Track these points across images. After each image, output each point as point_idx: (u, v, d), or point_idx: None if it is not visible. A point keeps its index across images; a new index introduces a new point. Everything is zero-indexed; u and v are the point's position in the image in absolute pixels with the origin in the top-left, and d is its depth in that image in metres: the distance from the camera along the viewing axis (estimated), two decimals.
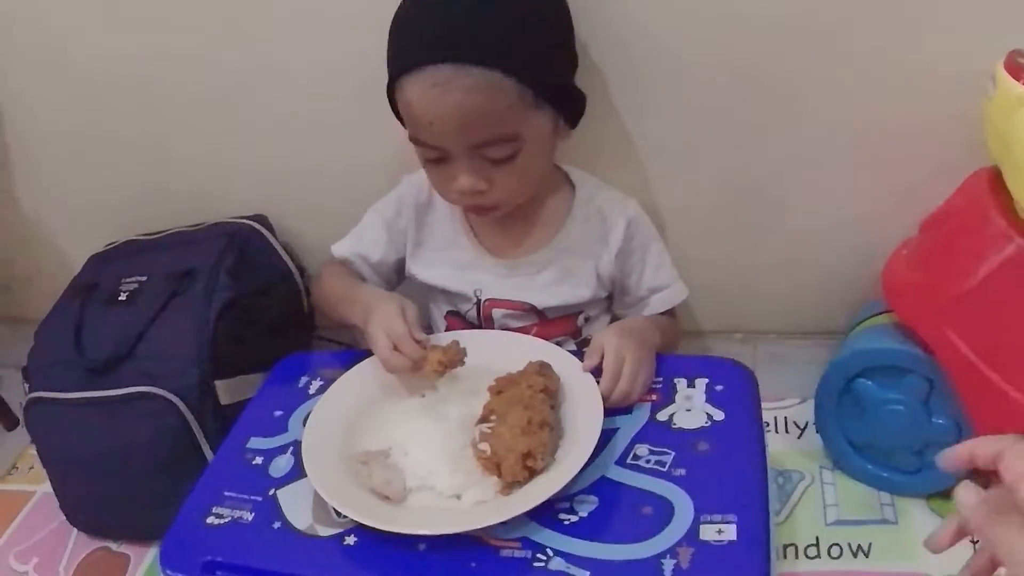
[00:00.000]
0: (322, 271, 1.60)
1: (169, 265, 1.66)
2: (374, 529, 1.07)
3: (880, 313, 1.49)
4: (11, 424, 2.01)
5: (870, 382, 1.44)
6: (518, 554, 1.04)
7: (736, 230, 1.60)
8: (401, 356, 1.27)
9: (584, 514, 1.08)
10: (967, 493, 0.86)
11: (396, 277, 1.57)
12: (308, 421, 1.27)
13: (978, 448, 0.86)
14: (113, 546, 1.69)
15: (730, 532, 1.04)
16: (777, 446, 1.64)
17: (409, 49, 1.24)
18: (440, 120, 1.22)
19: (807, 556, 1.42)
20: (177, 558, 1.14)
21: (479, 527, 1.06)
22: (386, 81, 1.29)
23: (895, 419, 1.43)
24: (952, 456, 0.90)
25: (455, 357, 1.28)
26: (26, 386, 1.63)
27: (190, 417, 1.50)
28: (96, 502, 1.63)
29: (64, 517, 1.70)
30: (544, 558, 1.03)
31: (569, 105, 1.34)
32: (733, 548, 1.02)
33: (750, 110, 1.45)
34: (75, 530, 1.71)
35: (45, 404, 1.57)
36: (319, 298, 1.60)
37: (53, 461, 1.63)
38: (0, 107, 1.83)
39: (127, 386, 1.52)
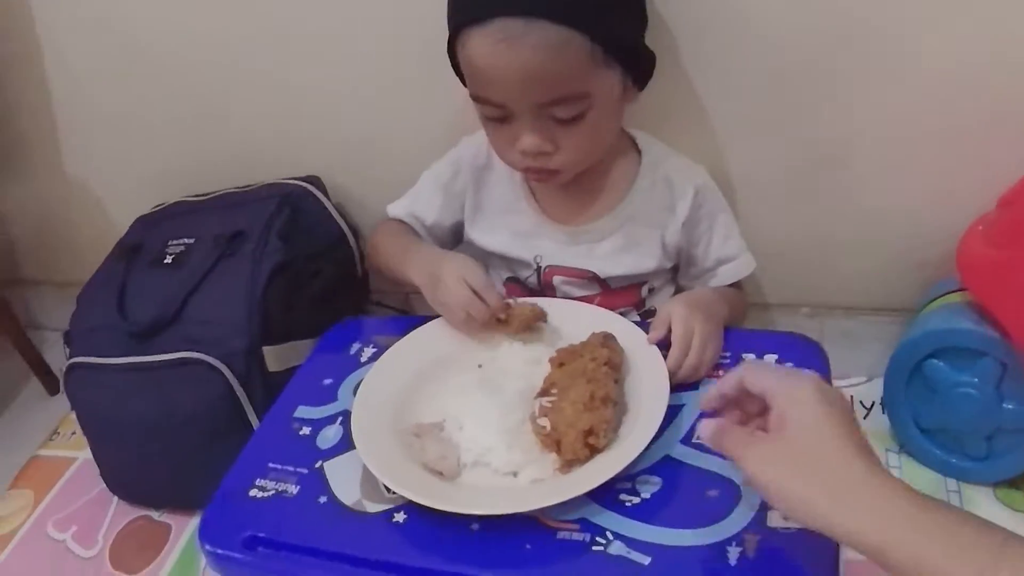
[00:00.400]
0: (379, 227, 1.56)
1: (217, 227, 1.63)
2: (425, 507, 1.03)
3: (953, 291, 1.44)
4: (54, 389, 2.00)
5: (942, 363, 1.40)
6: (576, 537, 0.99)
7: (807, 201, 1.55)
8: (482, 305, 1.24)
9: (647, 496, 1.03)
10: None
11: (451, 241, 1.54)
12: (359, 390, 1.23)
13: (723, 384, 0.97)
14: (155, 515, 1.68)
15: None
16: None
17: (475, 1, 1.18)
18: (506, 76, 1.17)
19: None
20: (217, 532, 1.10)
21: (536, 508, 1.01)
22: (446, 37, 1.24)
23: (966, 403, 1.39)
24: (705, 398, 1.00)
25: (540, 314, 1.27)
26: (67, 351, 1.60)
27: (236, 385, 1.47)
28: (137, 470, 1.61)
29: (104, 485, 1.69)
30: (603, 542, 0.98)
31: (638, 65, 1.28)
32: (801, 536, 0.96)
33: (828, 75, 1.40)
34: (115, 498, 1.71)
35: (86, 369, 1.55)
36: (373, 252, 1.55)
37: (93, 428, 1.61)
38: (46, 70, 1.82)
39: (171, 352, 1.49)
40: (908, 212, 1.50)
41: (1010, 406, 1.36)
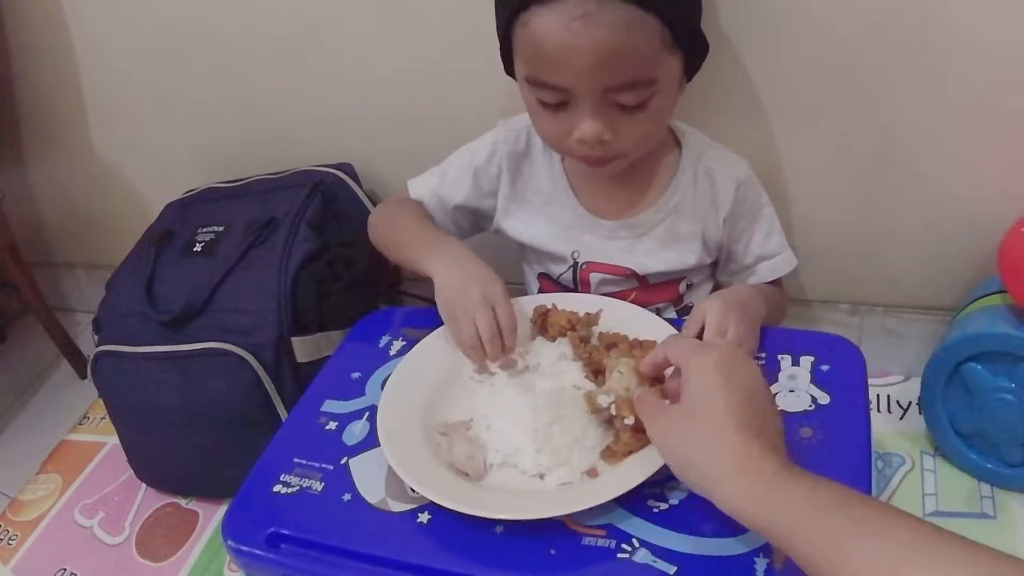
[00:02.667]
0: (392, 202, 1.51)
1: (249, 214, 1.62)
2: (450, 508, 1.01)
3: (996, 293, 1.41)
4: (84, 372, 2.00)
5: (980, 367, 1.38)
6: (601, 543, 0.97)
7: (851, 195, 1.53)
8: (500, 347, 1.20)
9: (675, 502, 1.01)
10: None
11: (471, 227, 1.50)
12: (385, 386, 1.21)
13: (653, 356, 1.06)
14: (183, 502, 1.68)
15: None
16: (879, 426, 1.58)
17: None
18: (578, 57, 1.11)
19: None
20: (240, 528, 1.09)
21: (564, 513, 0.99)
22: (490, 18, 1.20)
23: (1004, 408, 1.37)
24: (646, 363, 1.06)
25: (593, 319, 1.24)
26: (95, 338, 1.60)
27: (264, 376, 1.47)
28: (166, 458, 1.61)
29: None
30: (629, 548, 0.96)
31: (698, 52, 1.24)
32: None
33: (880, 65, 1.37)
34: (143, 484, 1.70)
35: (113, 357, 1.55)
36: (382, 225, 1.48)
37: (121, 416, 1.62)
38: (78, 55, 1.82)
39: (200, 341, 1.49)
40: (953, 208, 1.48)
41: None
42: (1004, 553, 0.70)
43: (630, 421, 1.02)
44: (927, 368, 1.43)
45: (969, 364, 1.38)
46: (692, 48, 1.21)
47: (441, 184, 1.45)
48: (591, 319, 1.24)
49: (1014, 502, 1.42)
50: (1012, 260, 1.32)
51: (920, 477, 1.48)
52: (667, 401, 1.01)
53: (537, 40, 1.13)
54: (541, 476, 1.06)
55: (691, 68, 1.25)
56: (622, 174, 1.31)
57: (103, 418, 1.79)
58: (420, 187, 1.47)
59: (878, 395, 1.64)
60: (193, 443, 1.53)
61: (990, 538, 1.32)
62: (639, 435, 1.03)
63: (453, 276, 1.26)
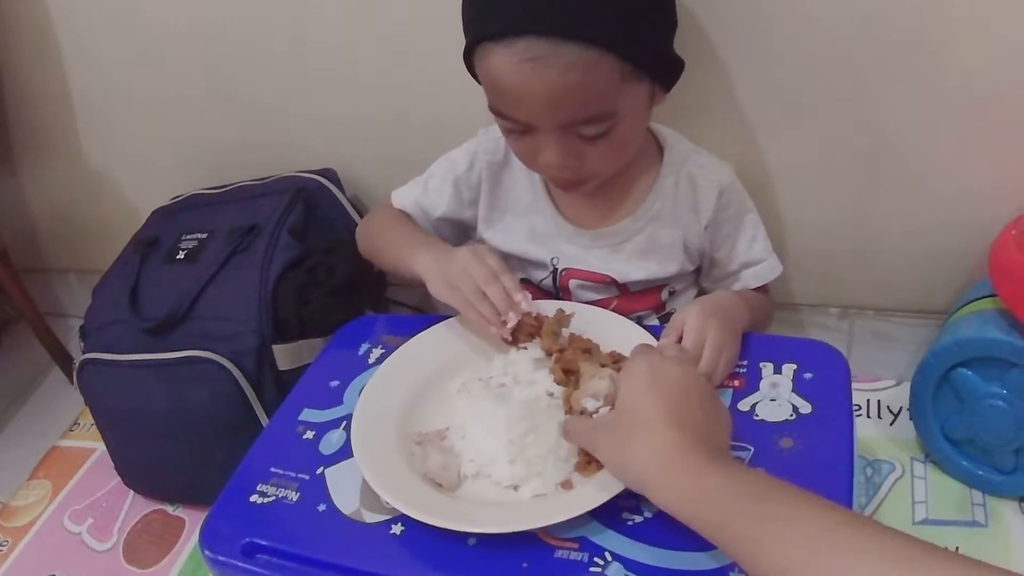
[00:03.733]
0: (377, 211, 1.51)
1: (232, 220, 1.62)
2: None
3: (986, 296, 1.40)
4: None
5: (970, 373, 1.37)
6: (574, 556, 0.96)
7: (839, 198, 1.51)
8: (499, 286, 1.19)
9: (649, 515, 0.99)
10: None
11: (454, 237, 1.48)
12: (361, 395, 1.19)
13: None
14: (169, 509, 1.69)
15: None
16: (868, 432, 1.57)
17: (499, 14, 1.10)
18: (530, 98, 1.10)
19: None
20: (217, 538, 1.08)
21: (537, 526, 0.98)
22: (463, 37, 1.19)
23: (996, 415, 1.36)
24: None
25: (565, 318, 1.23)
26: (82, 345, 1.60)
27: (245, 384, 1.46)
28: (151, 465, 1.62)
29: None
30: (601, 562, 0.95)
31: (668, 73, 1.22)
32: None
33: (862, 68, 1.36)
34: (132, 491, 1.69)
35: (98, 365, 1.55)
36: (369, 236, 1.48)
37: (107, 423, 1.63)
38: (65, 59, 1.83)
39: (183, 349, 1.49)
40: (944, 211, 1.46)
41: None
42: (914, 538, 0.71)
43: None
44: (917, 373, 1.41)
45: (959, 369, 1.37)
46: (659, 73, 1.20)
47: (423, 195, 1.44)
48: (561, 316, 1.23)
49: (1006, 509, 1.40)
50: (1003, 263, 1.31)
51: (910, 484, 1.47)
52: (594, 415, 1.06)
53: (492, 76, 1.13)
54: (515, 487, 1.05)
55: (668, 84, 1.23)
56: (601, 183, 1.29)
57: (93, 424, 1.78)
58: (403, 198, 1.46)
59: (868, 400, 1.63)
60: (178, 450, 1.53)
61: (982, 546, 1.37)
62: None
63: (440, 260, 1.26)
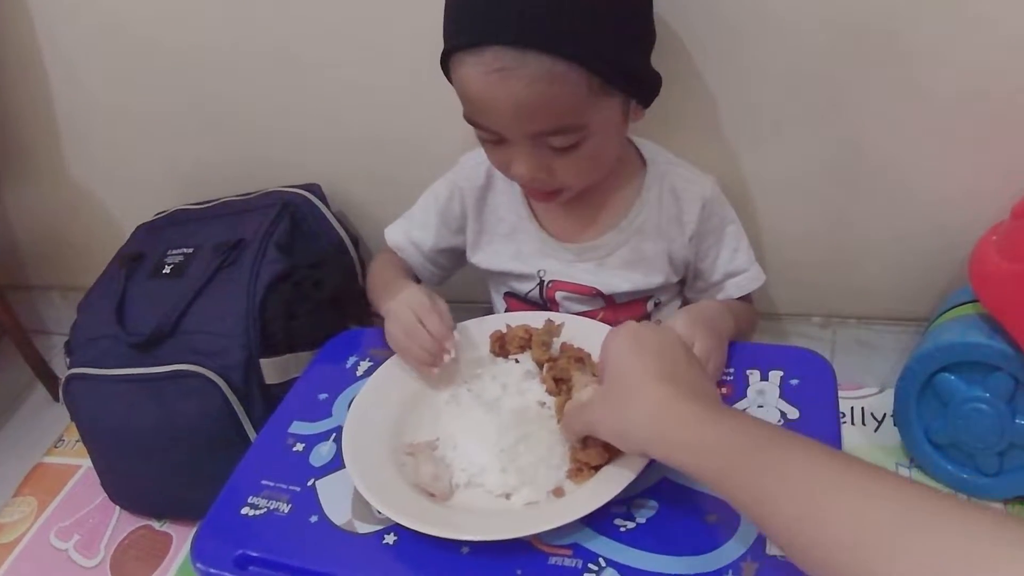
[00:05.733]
0: (376, 257, 1.53)
1: (217, 236, 1.62)
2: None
3: (967, 303, 1.41)
4: (59, 395, 1.99)
5: (953, 377, 1.38)
6: (568, 563, 0.96)
7: (819, 207, 1.52)
8: (423, 332, 1.20)
9: (642, 520, 1.00)
10: None
11: (450, 265, 1.51)
12: (351, 407, 1.20)
13: None
14: (156, 525, 1.68)
15: None
16: (853, 439, 1.58)
17: (470, 25, 1.12)
18: (497, 108, 1.12)
19: None
20: (209, 551, 1.08)
21: (530, 533, 0.98)
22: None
23: (978, 418, 1.37)
24: None
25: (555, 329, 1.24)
26: (67, 360, 1.59)
27: (232, 398, 1.46)
28: (138, 481, 1.61)
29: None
30: (595, 568, 0.95)
31: (642, 89, 1.23)
32: None
33: (846, 76, 1.37)
34: (118, 507, 1.68)
35: (85, 380, 1.55)
36: (368, 287, 1.50)
37: (93, 439, 1.61)
38: (49, 75, 1.82)
39: (170, 363, 1.48)
40: (924, 218, 1.48)
41: (1023, 422, 1.34)
42: (910, 481, 0.72)
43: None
44: (900, 380, 1.43)
45: (942, 374, 1.38)
46: (633, 87, 1.21)
47: (411, 229, 1.46)
48: (551, 327, 1.24)
49: None
50: (983, 269, 1.32)
51: None
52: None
53: (464, 85, 1.15)
54: (507, 496, 1.05)
55: (644, 100, 1.24)
56: (583, 197, 1.31)
57: (78, 441, 1.78)
58: (393, 234, 1.48)
59: (852, 407, 1.64)
60: (165, 465, 1.53)
61: None
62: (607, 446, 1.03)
63: (393, 313, 1.27)
